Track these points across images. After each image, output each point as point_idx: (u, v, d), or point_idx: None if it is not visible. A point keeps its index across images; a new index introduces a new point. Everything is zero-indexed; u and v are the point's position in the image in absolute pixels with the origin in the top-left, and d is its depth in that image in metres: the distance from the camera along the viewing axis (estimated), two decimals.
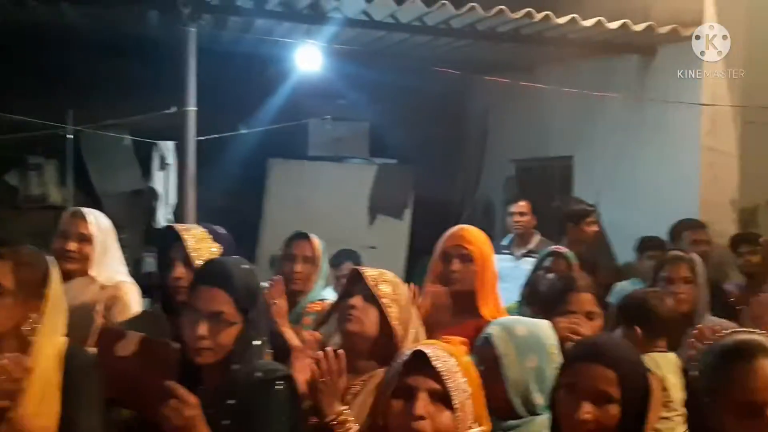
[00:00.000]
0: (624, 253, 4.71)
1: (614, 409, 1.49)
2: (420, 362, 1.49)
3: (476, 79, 5.72)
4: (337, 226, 5.87)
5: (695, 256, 3.11)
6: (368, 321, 1.98)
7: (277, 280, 2.78)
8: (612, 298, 3.96)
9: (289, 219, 5.16)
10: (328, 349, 1.90)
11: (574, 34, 4.92)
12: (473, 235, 2.66)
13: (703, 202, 4.59)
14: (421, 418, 1.43)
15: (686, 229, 4.21)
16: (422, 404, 1.44)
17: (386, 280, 2.03)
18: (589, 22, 4.65)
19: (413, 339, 2.01)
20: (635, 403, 1.52)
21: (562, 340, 2.14)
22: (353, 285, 2.05)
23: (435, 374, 1.46)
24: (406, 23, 4.74)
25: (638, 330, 2.61)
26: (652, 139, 4.97)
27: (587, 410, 1.48)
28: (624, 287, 4.08)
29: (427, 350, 1.49)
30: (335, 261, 4.36)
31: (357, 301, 1.99)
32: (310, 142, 6.54)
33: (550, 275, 3.19)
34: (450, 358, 1.49)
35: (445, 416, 1.46)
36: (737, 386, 1.42)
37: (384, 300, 1.98)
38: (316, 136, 6.52)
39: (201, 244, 2.17)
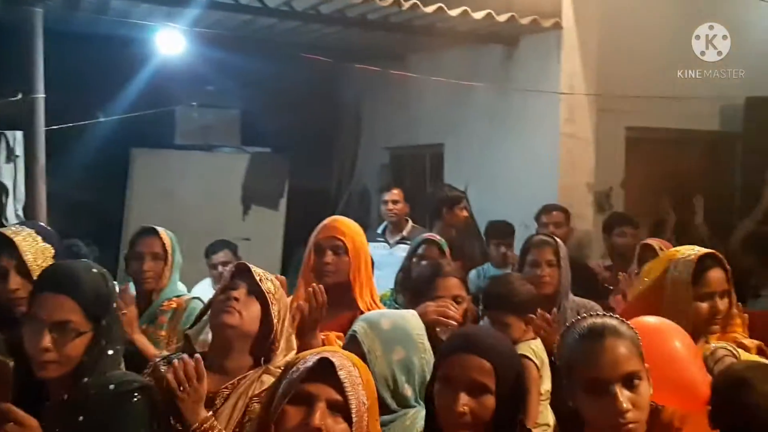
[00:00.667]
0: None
1: (490, 400, 1.51)
2: (322, 370, 1.39)
3: (349, 66, 5.71)
4: (208, 218, 5.69)
5: (559, 240, 3.27)
6: (248, 316, 1.90)
7: (124, 288, 2.67)
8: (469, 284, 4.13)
9: (156, 213, 4.93)
10: (184, 355, 1.81)
11: (441, 24, 5.01)
12: (346, 226, 2.65)
13: (561, 187, 4.83)
14: (318, 430, 1.34)
15: (548, 212, 4.44)
16: (320, 415, 1.34)
17: (270, 279, 1.97)
18: (455, 12, 4.75)
19: (286, 344, 1.96)
20: (510, 392, 1.54)
21: (432, 324, 2.18)
22: (236, 278, 1.96)
23: (337, 384, 1.37)
24: (273, 8, 4.64)
25: (509, 317, 2.69)
26: (516, 126, 5.17)
27: (464, 402, 1.49)
28: (477, 273, 4.25)
29: (333, 358, 1.39)
30: (211, 250, 4.26)
31: (239, 293, 1.91)
32: (177, 131, 6.27)
33: (423, 262, 3.24)
34: (354, 368, 1.41)
35: (341, 429, 1.37)
36: (586, 364, 1.50)
37: (269, 296, 1.92)
38: (183, 124, 6.26)
39: (35, 247, 1.99)
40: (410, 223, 4.82)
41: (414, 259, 3.35)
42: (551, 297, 3.02)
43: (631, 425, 1.44)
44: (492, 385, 1.50)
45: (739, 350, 2.03)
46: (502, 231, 4.35)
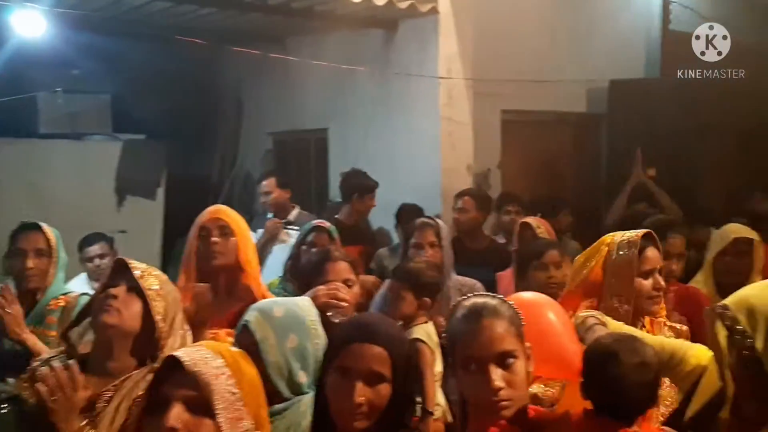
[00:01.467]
0: (376, 220, 4.94)
1: (386, 388, 1.51)
2: (176, 369, 1.32)
3: (228, 49, 5.54)
4: (79, 211, 5.36)
5: (440, 222, 3.35)
6: (128, 314, 1.82)
7: (4, 286, 2.51)
8: (373, 265, 4.18)
9: (20, 207, 4.60)
10: (55, 363, 1.70)
11: (320, 6, 4.96)
12: (229, 211, 2.62)
13: (444, 169, 4.95)
14: (172, 429, 1.26)
15: (460, 197, 4.50)
16: (174, 414, 1.27)
17: (154, 275, 1.89)
18: None
19: (181, 342, 1.89)
20: (404, 378, 1.54)
21: (323, 307, 2.18)
22: (116, 275, 1.87)
23: (191, 380, 1.30)
24: None
25: (427, 299, 2.75)
26: (398, 110, 5.23)
27: (361, 393, 1.48)
28: (382, 255, 4.30)
29: (181, 354, 1.32)
30: (85, 243, 4.03)
31: (119, 291, 1.83)
32: (40, 119, 5.84)
33: (313, 250, 3.22)
34: (216, 358, 1.33)
35: (206, 426, 1.29)
36: (463, 343, 1.55)
37: (149, 292, 1.84)
38: (47, 112, 5.82)
39: None
40: (297, 208, 4.77)
41: (303, 247, 3.32)
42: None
43: (503, 403, 1.50)
44: (388, 373, 1.51)
45: (607, 318, 2.13)
46: (413, 214, 4.39)
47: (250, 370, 1.42)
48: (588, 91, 5.89)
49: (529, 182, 5.65)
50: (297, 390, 1.80)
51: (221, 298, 2.50)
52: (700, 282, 3.23)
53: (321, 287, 2.35)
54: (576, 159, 6.06)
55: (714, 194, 5.49)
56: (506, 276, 3.56)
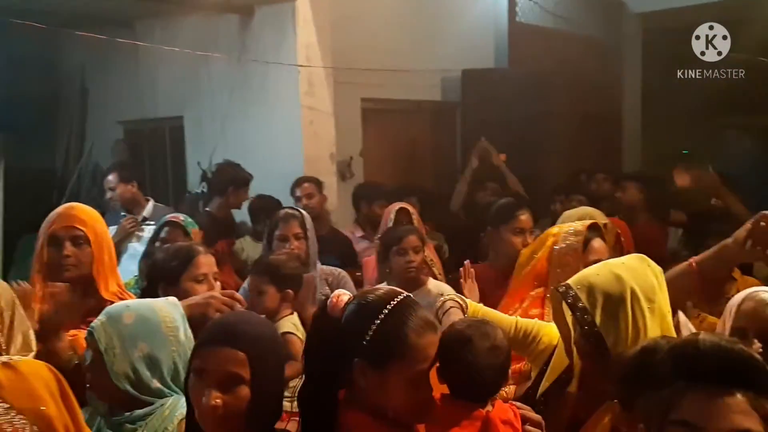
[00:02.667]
0: (240, 212, 4.84)
1: (244, 390, 1.47)
2: None
3: (71, 33, 5.16)
4: None
5: (304, 212, 3.35)
6: None
7: None
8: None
9: None
10: None
11: None
12: (85, 213, 2.46)
13: (306, 158, 4.94)
14: None
15: (299, 185, 4.51)
16: None
17: None
18: None
19: (23, 342, 1.76)
20: (267, 380, 1.51)
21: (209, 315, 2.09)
22: None
23: None
24: None
25: (290, 292, 2.71)
26: (258, 98, 5.14)
27: (216, 396, 1.44)
28: (243, 245, 4.23)
29: None
30: None
31: None
32: None
33: (167, 246, 3.09)
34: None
35: None
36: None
37: None
38: None
39: None
40: (151, 202, 4.56)
41: (158, 243, 3.18)
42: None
43: None
44: (246, 375, 1.47)
45: (469, 300, 2.23)
46: (270, 206, 4.33)
47: (54, 385, 1.33)
48: (442, 80, 6.09)
49: (390, 169, 5.77)
50: (157, 394, 1.75)
51: (78, 297, 2.35)
52: None
53: (216, 296, 2.23)
54: (434, 146, 6.27)
55: (559, 176, 5.88)
56: (371, 261, 3.62)
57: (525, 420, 1.64)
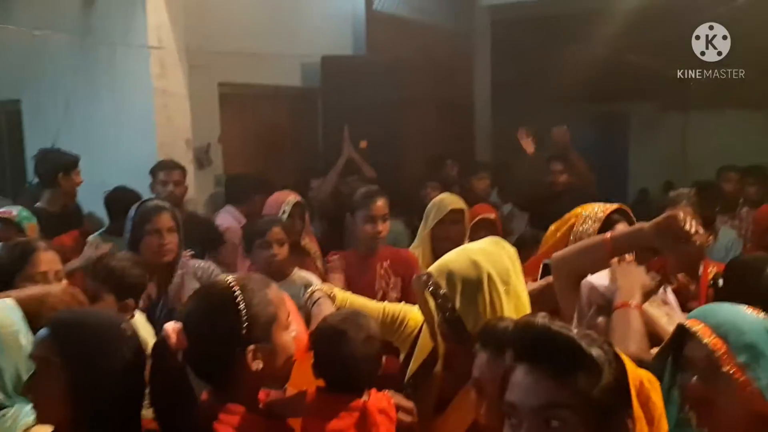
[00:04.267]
0: (88, 202, 4.55)
1: (54, 382, 1.43)
2: None
3: None
4: None
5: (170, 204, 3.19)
6: None
7: None
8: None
9: None
10: None
11: None
12: None
13: (160, 144, 4.72)
14: None
15: (167, 169, 4.31)
16: None
17: None
18: None
19: None
20: (90, 382, 1.45)
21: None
22: None
23: None
24: None
25: (131, 302, 2.51)
26: (106, 81, 4.84)
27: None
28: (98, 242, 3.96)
29: None
30: None
31: None
32: None
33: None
34: None
35: None
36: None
37: None
38: None
39: None
40: None
41: None
42: (173, 263, 2.98)
43: None
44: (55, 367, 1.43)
45: (336, 289, 2.23)
46: (129, 199, 4.07)
47: None
48: (302, 66, 6.05)
49: (250, 156, 5.66)
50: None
51: None
52: (419, 249, 3.49)
53: (53, 289, 2.05)
54: (294, 132, 6.22)
55: (417, 163, 6.06)
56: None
57: (398, 407, 1.69)
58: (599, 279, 1.88)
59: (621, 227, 2.17)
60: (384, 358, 1.76)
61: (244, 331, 1.47)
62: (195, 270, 3.04)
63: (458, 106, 7.13)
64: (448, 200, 3.52)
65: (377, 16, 6.45)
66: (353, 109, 5.62)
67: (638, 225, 1.97)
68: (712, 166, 5.48)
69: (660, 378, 1.58)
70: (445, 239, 3.29)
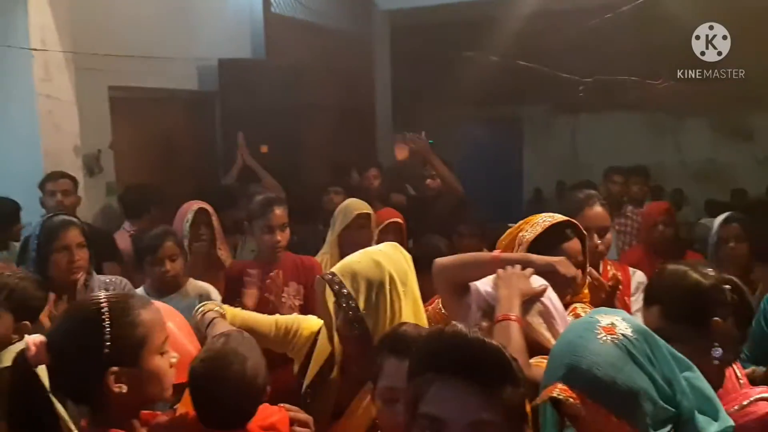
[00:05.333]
0: None
1: None
2: None
3: None
4: None
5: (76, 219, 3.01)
6: None
7: None
8: None
9: None
10: None
11: None
12: None
13: (46, 152, 4.46)
14: None
15: (54, 180, 4.10)
16: None
17: None
18: None
19: None
20: None
21: None
22: None
23: None
24: None
25: (27, 323, 2.31)
26: None
27: None
28: None
29: None
30: None
31: None
32: None
33: None
34: None
35: None
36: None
37: None
38: None
39: None
40: None
41: None
42: (78, 279, 2.80)
43: None
44: None
45: (227, 307, 2.17)
46: (9, 211, 3.82)
47: None
48: (199, 69, 5.89)
49: (144, 163, 5.45)
50: None
51: None
52: (326, 254, 3.47)
53: None
54: (192, 137, 6.05)
55: (318, 168, 6.04)
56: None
57: (293, 421, 1.67)
58: (485, 285, 1.92)
59: (571, 245, 2.13)
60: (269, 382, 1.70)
61: (106, 351, 1.43)
62: (107, 285, 2.89)
63: (359, 110, 7.16)
64: (354, 205, 3.53)
65: (276, 19, 6.37)
66: (253, 114, 5.53)
67: (526, 255, 2.00)
68: (600, 166, 5.77)
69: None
70: (352, 244, 3.26)
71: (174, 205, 3.88)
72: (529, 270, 1.91)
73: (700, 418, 1.35)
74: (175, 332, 1.89)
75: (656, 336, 1.39)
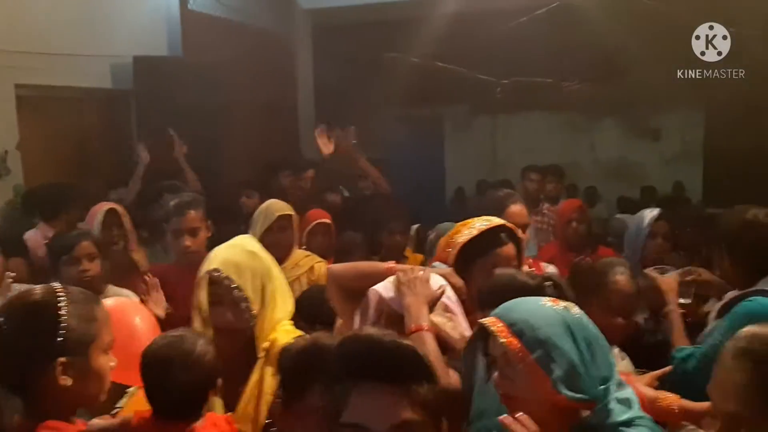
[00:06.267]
0: None
1: None
2: None
3: None
4: None
5: None
6: None
7: None
8: None
9: None
10: None
11: None
12: None
13: None
14: None
15: None
16: None
17: None
18: None
19: None
20: None
21: None
22: None
23: None
24: None
25: None
26: None
27: None
28: None
29: None
30: None
31: None
32: None
33: None
34: None
35: None
36: None
37: None
38: None
39: None
40: None
41: None
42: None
43: None
44: None
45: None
46: None
47: None
48: (113, 67, 5.70)
49: (55, 164, 5.22)
50: None
51: None
52: None
53: None
54: (107, 137, 5.84)
55: (239, 168, 5.94)
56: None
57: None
58: (386, 290, 1.89)
59: (505, 250, 2.14)
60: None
61: (59, 340, 1.39)
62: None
63: (281, 109, 7.09)
64: (275, 206, 3.45)
65: (193, 16, 6.22)
66: (170, 113, 5.38)
67: (419, 268, 1.97)
68: (518, 164, 5.93)
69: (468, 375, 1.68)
70: (274, 246, 3.19)
71: (90, 206, 3.75)
72: (428, 272, 1.93)
73: (616, 407, 1.39)
74: (142, 333, 1.95)
75: (604, 341, 1.45)
